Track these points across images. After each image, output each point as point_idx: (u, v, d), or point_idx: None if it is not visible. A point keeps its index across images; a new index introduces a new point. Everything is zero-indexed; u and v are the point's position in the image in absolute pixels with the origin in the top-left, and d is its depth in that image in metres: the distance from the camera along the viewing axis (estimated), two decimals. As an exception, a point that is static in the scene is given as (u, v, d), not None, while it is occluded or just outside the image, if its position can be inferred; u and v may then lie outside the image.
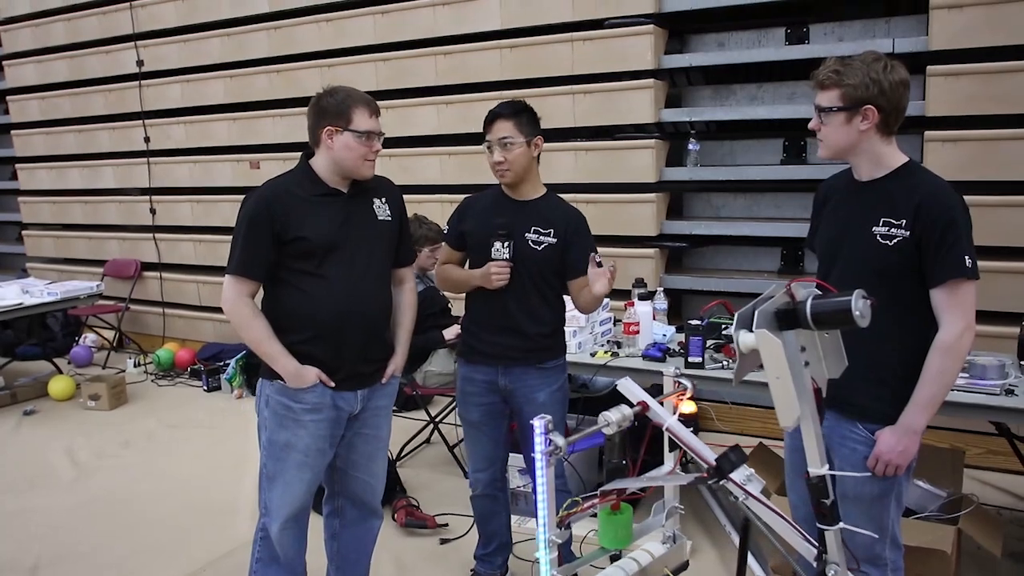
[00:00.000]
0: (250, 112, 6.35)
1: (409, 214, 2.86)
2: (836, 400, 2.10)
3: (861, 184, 2.22)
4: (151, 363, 6.59)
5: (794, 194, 4.82)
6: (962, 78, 4.01)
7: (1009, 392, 2.85)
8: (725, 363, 3.37)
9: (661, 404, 1.85)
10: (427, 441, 4.76)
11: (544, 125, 5.12)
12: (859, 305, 1.45)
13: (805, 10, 4.66)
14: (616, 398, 1.88)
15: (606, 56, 4.89)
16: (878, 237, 2.13)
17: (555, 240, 2.82)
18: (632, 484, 1.81)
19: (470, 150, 5.41)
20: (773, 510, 1.69)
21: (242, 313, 2.45)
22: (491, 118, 2.82)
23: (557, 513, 1.73)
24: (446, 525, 3.70)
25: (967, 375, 2.97)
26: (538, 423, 1.67)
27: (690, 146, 4.87)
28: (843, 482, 2.20)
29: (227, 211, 6.61)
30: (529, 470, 3.04)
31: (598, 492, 1.80)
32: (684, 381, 1.95)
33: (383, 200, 2.63)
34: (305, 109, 5.98)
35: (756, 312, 1.51)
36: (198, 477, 4.41)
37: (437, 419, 4.52)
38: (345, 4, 5.74)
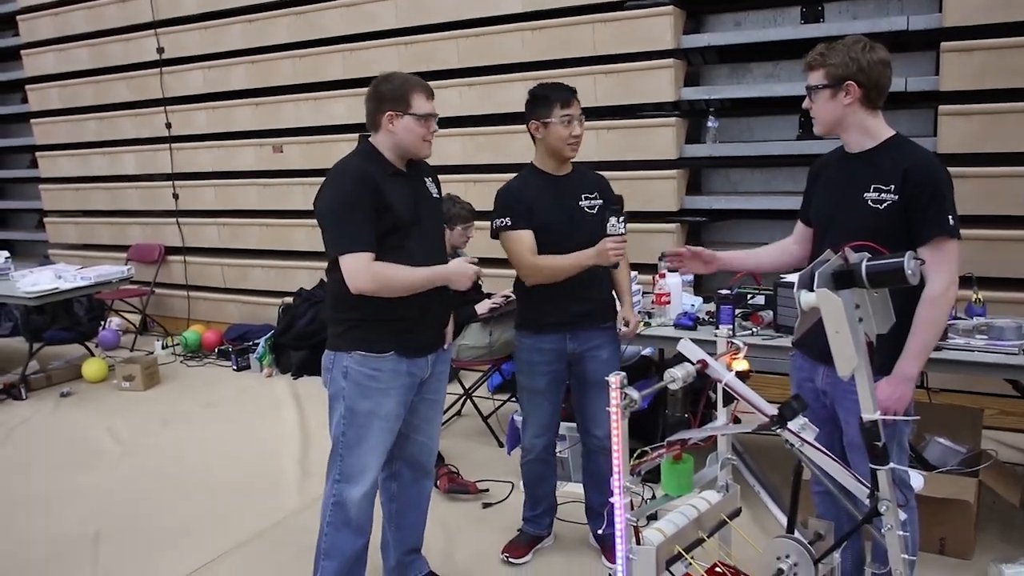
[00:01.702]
0: (273, 97, 6.48)
1: None
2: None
3: (852, 156, 2.44)
4: (178, 345, 6.75)
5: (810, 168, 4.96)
6: (975, 53, 4.15)
7: (1027, 351, 3.01)
8: (754, 330, 3.53)
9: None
10: (459, 413, 4.93)
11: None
12: (911, 265, 1.62)
13: (821, -11, 4.79)
14: (640, 371, 2.01)
15: (626, 37, 5.02)
16: (869, 202, 2.35)
17: (600, 201, 3.06)
18: (696, 435, 1.98)
19: (492, 130, 5.55)
20: (827, 455, 1.86)
21: (381, 273, 2.51)
22: (570, 94, 2.97)
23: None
24: (487, 490, 3.88)
25: (985, 337, 3.13)
26: (613, 379, 1.83)
27: (709, 123, 5.02)
28: (849, 431, 2.42)
29: (251, 195, 6.77)
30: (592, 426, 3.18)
31: (664, 443, 1.97)
32: (737, 341, 2.12)
33: (431, 180, 2.81)
34: (328, 93, 6.17)
35: (816, 274, 1.67)
36: (239, 452, 4.58)
37: (471, 391, 4.68)
38: (366, -10, 5.85)
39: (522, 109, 5.35)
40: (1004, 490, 3.18)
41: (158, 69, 7.03)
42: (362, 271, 2.51)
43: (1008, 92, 4.12)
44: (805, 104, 2.44)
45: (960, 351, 3.05)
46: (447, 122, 5.66)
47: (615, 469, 1.86)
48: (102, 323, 7.09)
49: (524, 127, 5.42)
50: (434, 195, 2.80)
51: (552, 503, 3.37)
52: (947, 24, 4.21)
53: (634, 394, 1.81)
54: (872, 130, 2.40)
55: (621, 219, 2.83)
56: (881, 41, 4.60)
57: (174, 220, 7.27)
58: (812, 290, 1.68)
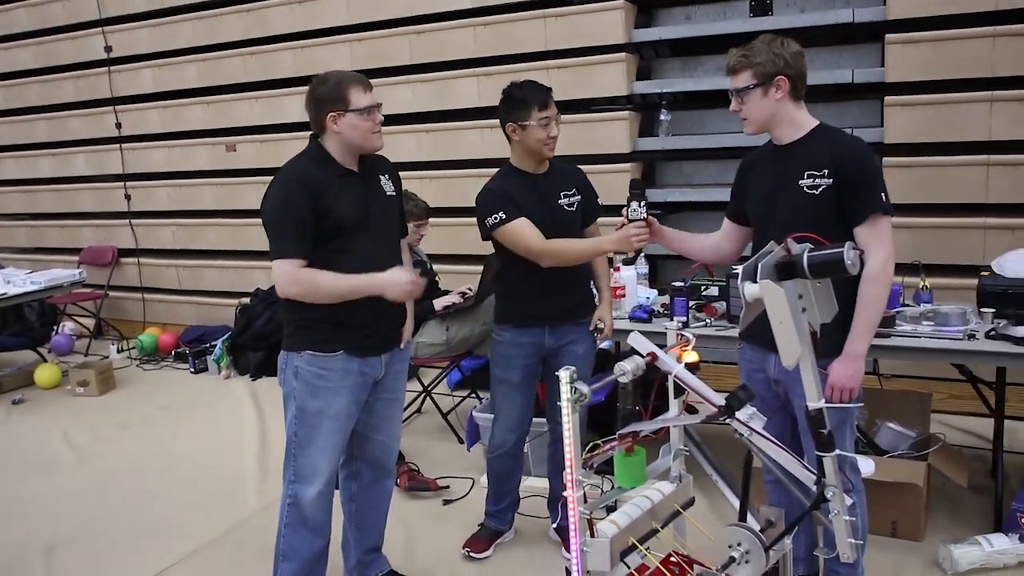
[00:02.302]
0: (225, 95, 6.40)
1: None
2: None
3: (782, 148, 2.52)
4: (133, 348, 6.65)
5: (762, 160, 5.03)
6: (919, 45, 4.24)
7: (971, 337, 3.08)
8: (708, 321, 3.57)
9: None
10: (418, 411, 4.92)
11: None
12: (850, 255, 1.65)
13: (769, -18, 4.85)
14: (599, 365, 2.02)
15: (578, 32, 5.04)
16: (804, 189, 2.43)
17: (579, 197, 3.09)
18: (647, 427, 2.00)
19: (446, 126, 5.55)
20: (776, 443, 1.89)
21: (305, 281, 2.50)
22: (546, 95, 2.95)
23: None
24: (447, 487, 3.88)
25: (932, 323, 3.20)
26: (564, 374, 1.84)
27: (662, 116, 5.06)
28: (802, 416, 2.44)
29: (205, 195, 6.68)
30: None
31: (616, 435, 1.99)
32: (686, 333, 2.14)
33: (386, 177, 2.78)
34: (280, 91, 6.10)
35: (759, 265, 1.69)
36: (198, 455, 4.53)
37: (430, 388, 4.68)
38: (317, -14, 5.81)
39: (474, 104, 5.45)
40: (953, 472, 3.25)
41: (106, 68, 6.91)
42: (286, 277, 2.50)
43: (952, 83, 4.21)
44: (733, 107, 2.49)
45: (908, 337, 3.11)
46: (401, 119, 5.71)
47: (567, 463, 1.88)
48: (54, 328, 6.97)
49: (475, 123, 5.49)
50: (388, 193, 2.76)
51: (516, 498, 3.38)
52: (891, 16, 4.29)
53: (584, 388, 1.83)
54: (799, 121, 2.49)
55: (643, 203, 2.74)
56: (828, 33, 4.71)
57: (127, 222, 7.15)
58: (755, 282, 1.71)
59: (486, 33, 5.29)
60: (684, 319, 3.54)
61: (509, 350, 3.13)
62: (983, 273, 3.44)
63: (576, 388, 1.83)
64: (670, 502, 2.17)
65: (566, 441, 1.87)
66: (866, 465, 3.15)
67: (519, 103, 2.94)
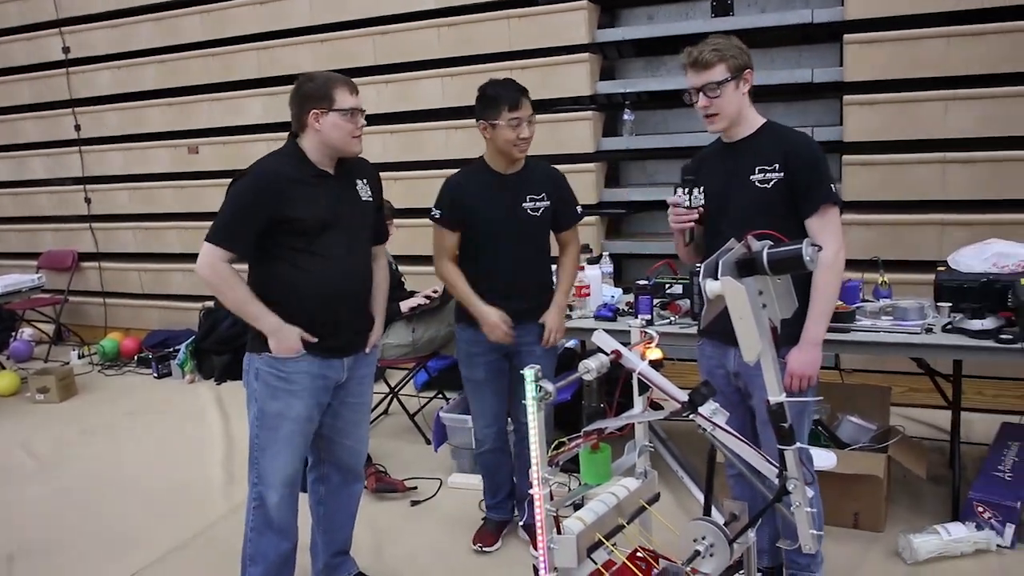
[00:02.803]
0: (186, 97, 6.32)
1: None
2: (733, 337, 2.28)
3: (732, 145, 2.58)
4: (95, 354, 6.55)
5: (724, 159, 5.08)
6: (877, 45, 4.31)
7: (929, 330, 3.14)
8: (672, 319, 3.60)
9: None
10: (385, 412, 4.90)
11: (484, 100, 5.27)
12: (808, 251, 1.68)
13: (729, -17, 4.90)
14: (565, 363, 2.04)
15: (542, 32, 5.06)
16: (756, 183, 2.49)
17: (548, 203, 3.08)
18: (612, 424, 2.01)
19: (411, 127, 5.54)
20: (738, 438, 1.91)
21: (222, 276, 2.50)
22: (518, 95, 2.93)
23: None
24: (415, 488, 3.87)
25: (891, 318, 3.26)
26: (529, 372, 1.85)
27: (625, 116, 5.09)
28: (762, 410, 2.48)
29: (167, 197, 6.60)
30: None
31: (581, 433, 2.00)
32: (650, 331, 2.16)
33: (364, 181, 2.76)
34: (242, 92, 6.05)
35: (720, 262, 1.72)
36: (164, 460, 4.48)
37: (397, 389, 4.67)
38: (280, -14, 5.76)
39: (439, 105, 5.43)
40: (912, 464, 3.31)
41: (64, 69, 6.79)
42: (207, 264, 2.50)
43: (910, 82, 4.29)
44: (701, 104, 2.48)
45: (868, 332, 3.17)
46: (366, 120, 5.67)
47: (533, 461, 1.89)
48: (12, 334, 6.85)
49: (441, 124, 5.49)
50: (364, 198, 2.73)
51: (511, 487, 3.41)
52: (849, 17, 4.36)
53: (549, 386, 1.84)
54: (751, 118, 2.57)
55: (687, 191, 2.61)
56: (787, 33, 4.77)
57: (87, 225, 7.04)
58: (717, 279, 1.73)
59: (450, 34, 5.29)
60: (649, 317, 3.57)
61: (470, 348, 3.16)
62: (939, 268, 3.51)
63: (541, 386, 1.84)
64: (636, 498, 2.19)
65: (532, 439, 1.87)
66: (828, 458, 3.20)
67: (491, 101, 2.95)
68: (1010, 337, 2.99)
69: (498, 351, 3.14)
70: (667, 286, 3.88)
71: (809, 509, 1.83)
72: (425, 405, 4.82)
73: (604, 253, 4.47)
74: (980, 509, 3.08)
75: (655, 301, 3.68)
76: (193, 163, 6.42)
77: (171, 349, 6.15)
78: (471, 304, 3.12)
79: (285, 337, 2.55)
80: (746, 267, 1.74)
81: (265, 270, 2.60)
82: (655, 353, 2.10)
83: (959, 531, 3.04)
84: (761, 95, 4.85)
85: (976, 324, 3.09)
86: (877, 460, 3.19)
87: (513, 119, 2.92)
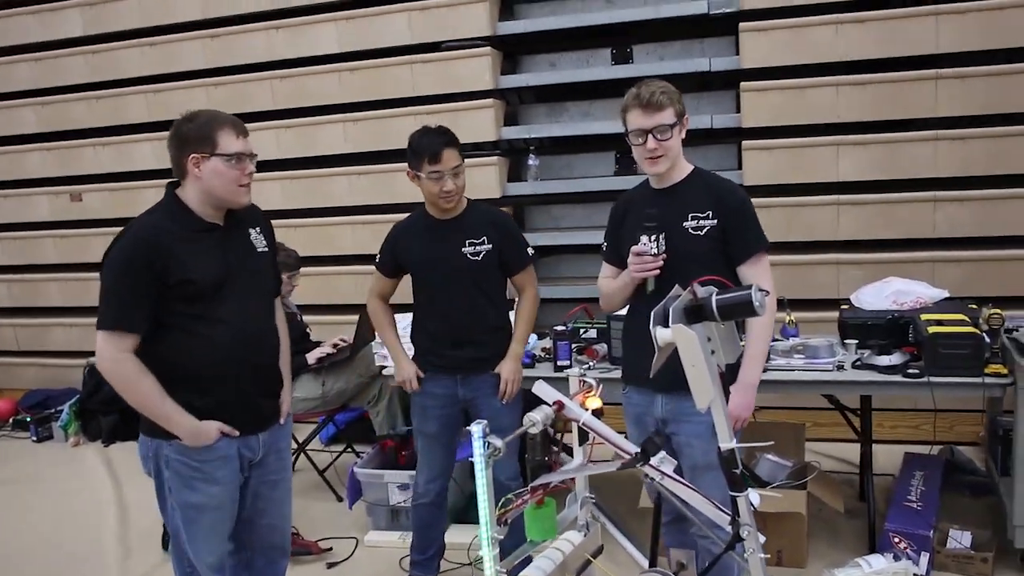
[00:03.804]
0: (68, 141, 5.98)
1: None
2: (673, 383, 2.18)
3: (661, 191, 2.57)
4: (-36, 418, 6.05)
5: (628, 203, 5.17)
6: (771, 92, 4.49)
7: (840, 367, 3.24)
8: (590, 364, 3.59)
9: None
10: (292, 469, 4.68)
11: (388, 146, 5.25)
12: (757, 296, 1.68)
13: (628, 32, 5.02)
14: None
15: (446, 77, 5.05)
16: (689, 230, 2.50)
17: (490, 246, 2.98)
18: (559, 477, 1.96)
19: (312, 173, 5.41)
20: (688, 486, 1.89)
21: (127, 372, 2.23)
22: (439, 147, 2.82)
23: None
24: (330, 549, 3.70)
25: (803, 356, 3.34)
26: (476, 428, 1.78)
27: (530, 161, 5.11)
28: (692, 455, 2.50)
29: (47, 248, 6.20)
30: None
31: (528, 489, 1.94)
32: (589, 379, 2.12)
33: (257, 230, 2.51)
34: (131, 136, 5.76)
35: (670, 310, 1.70)
36: (49, 534, 4.13)
37: (304, 444, 4.48)
38: (171, 28, 5.55)
39: (342, 151, 5.33)
40: (829, 499, 3.39)
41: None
42: (107, 358, 2.23)
43: (802, 128, 4.48)
44: (651, 145, 2.43)
45: (782, 371, 3.24)
46: (264, 166, 5.50)
47: (482, 520, 1.81)
48: None
49: (343, 170, 5.39)
50: (260, 249, 2.48)
51: (441, 546, 3.29)
52: (745, 66, 4.53)
53: (498, 442, 1.77)
54: (683, 163, 2.58)
55: (652, 237, 2.47)
56: (686, 81, 4.90)
57: (-44, 279, 6.54)
58: (667, 326, 1.71)
59: (353, 78, 5.22)
60: (568, 363, 3.54)
61: (424, 400, 3.07)
62: (843, 307, 3.64)
63: (489, 443, 1.77)
64: (580, 552, 2.13)
65: (480, 498, 1.80)
66: (753, 498, 3.22)
67: (413, 152, 2.88)
68: (917, 371, 3.11)
69: (453, 405, 3.06)
70: (582, 331, 3.88)
71: (762, 555, 1.82)
72: (335, 460, 4.64)
73: (515, 299, 4.45)
74: (896, 539, 3.16)
75: (572, 346, 3.66)
76: (77, 211, 6.06)
77: (52, 410, 5.75)
78: (391, 350, 3.09)
79: (202, 437, 2.30)
80: (694, 314, 1.73)
81: (158, 345, 2.28)
82: (595, 402, 2.06)
83: (879, 563, 3.10)
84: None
85: (884, 360, 3.21)
86: (798, 497, 3.24)
87: (434, 172, 2.83)
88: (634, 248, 2.49)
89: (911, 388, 3.11)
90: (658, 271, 2.48)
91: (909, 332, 3.36)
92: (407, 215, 3.13)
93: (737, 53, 4.61)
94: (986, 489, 3.73)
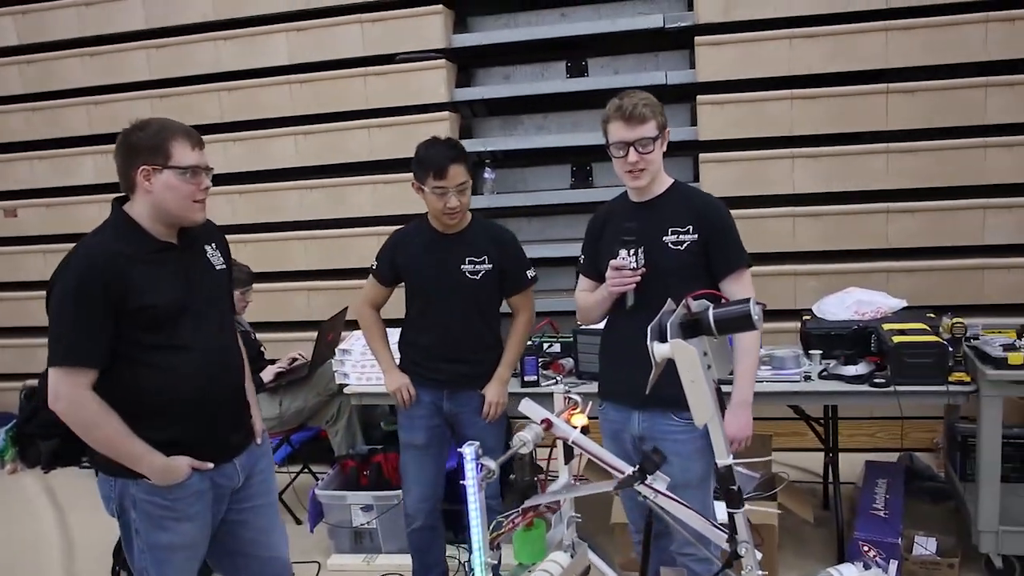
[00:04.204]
0: (2, 155, 5.73)
1: None
2: (649, 400, 2.16)
3: (641, 204, 2.55)
4: None
5: (584, 215, 5.05)
6: (727, 106, 4.53)
7: (807, 378, 3.26)
8: (557, 379, 3.55)
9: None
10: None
11: (340, 159, 5.15)
12: (755, 310, 1.66)
13: (583, 46, 5.02)
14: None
15: (400, 90, 4.98)
16: (669, 244, 2.47)
17: (491, 266, 2.91)
18: (550, 498, 1.91)
19: (263, 187, 5.28)
20: (681, 503, 1.86)
21: (87, 411, 2.05)
22: (445, 163, 2.73)
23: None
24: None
25: (770, 367, 3.35)
26: (468, 450, 1.72)
27: (486, 175, 5.07)
28: (670, 472, 2.42)
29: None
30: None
31: (519, 511, 1.88)
32: (575, 396, 2.08)
33: (213, 247, 2.35)
34: (72, 150, 5.54)
35: (668, 325, 1.67)
36: (-12, 566, 3.92)
37: (261, 467, 4.33)
38: (113, 37, 5.36)
39: (294, 164, 5.21)
40: (798, 508, 3.40)
41: None
42: (65, 397, 2.04)
43: (759, 140, 4.53)
44: (632, 159, 2.40)
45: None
46: (212, 179, 5.34)
47: (474, 544, 1.74)
48: None
49: (295, 184, 5.27)
50: (218, 267, 2.33)
51: (445, 568, 3.19)
52: (701, 79, 4.57)
53: (491, 464, 1.71)
54: (663, 177, 2.54)
55: (631, 252, 2.44)
56: (654, 94, 4.88)
57: None
58: (663, 341, 1.68)
59: (304, 90, 5.11)
60: (535, 378, 3.49)
61: (412, 410, 2.98)
62: (805, 317, 3.67)
63: (483, 464, 1.71)
64: (570, 574, 2.08)
65: (472, 522, 1.73)
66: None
67: (420, 165, 2.80)
68: (883, 381, 3.14)
69: (440, 415, 2.99)
70: (547, 345, 3.84)
71: (760, 572, 1.79)
72: (292, 481, 4.50)
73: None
74: (866, 548, 3.18)
75: (539, 360, 3.62)
76: (11, 228, 5.80)
77: (-15, 436, 5.47)
78: (379, 359, 3.01)
79: (173, 476, 2.13)
80: (691, 328, 1.70)
81: (118, 378, 2.10)
82: (581, 419, 2.02)
83: (850, 571, 3.09)
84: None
85: (850, 370, 3.24)
86: (768, 509, 3.24)
87: (438, 188, 2.74)
88: (613, 262, 2.45)
89: (877, 398, 3.14)
90: (635, 285, 2.44)
91: (872, 342, 3.40)
92: (409, 223, 3.05)
93: (691, 67, 4.65)
94: (946, 495, 3.79)
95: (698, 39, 4.55)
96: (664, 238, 2.47)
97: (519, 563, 1.98)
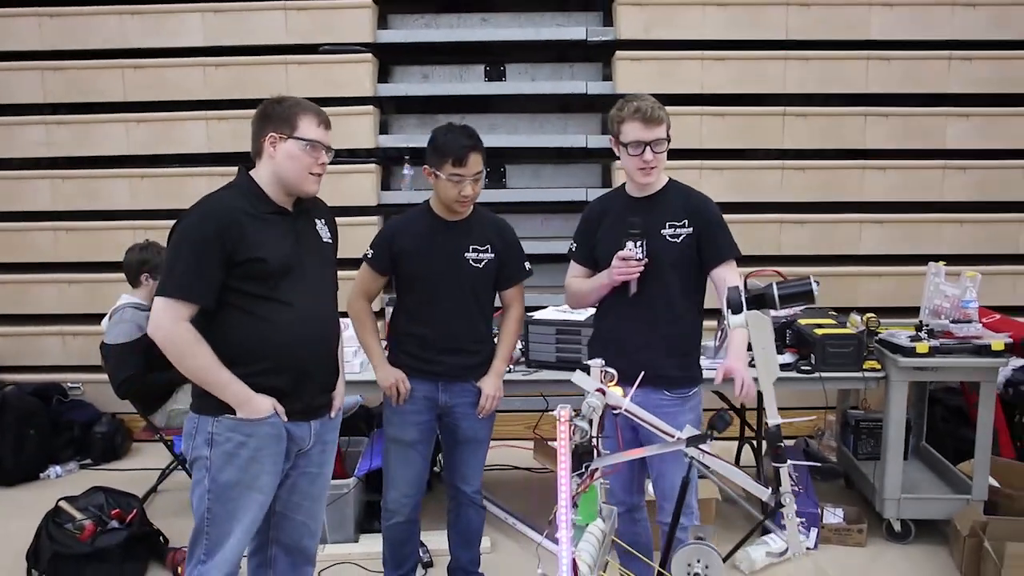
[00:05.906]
0: None
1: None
2: (648, 378, 2.37)
3: (638, 199, 2.78)
4: None
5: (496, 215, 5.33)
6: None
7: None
8: (510, 368, 3.66)
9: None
10: (155, 488, 4.35)
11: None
12: (816, 287, 1.90)
13: (500, 52, 5.21)
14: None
15: (322, 81, 4.94)
16: (667, 237, 2.71)
17: (493, 255, 2.91)
18: (612, 461, 2.07)
19: (171, 172, 5.06)
20: (726, 462, 2.07)
21: (183, 339, 2.20)
22: (465, 152, 2.74)
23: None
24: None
25: (705, 357, 3.65)
26: (563, 412, 1.84)
27: (406, 171, 5.13)
28: (656, 440, 2.68)
29: None
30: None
31: (588, 472, 2.02)
32: (610, 369, 2.24)
33: (323, 222, 2.52)
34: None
35: (743, 299, 1.88)
36: None
37: (183, 457, 4.17)
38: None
39: (204, 150, 5.03)
40: (730, 486, 3.72)
41: None
42: (165, 326, 2.21)
43: (670, 152, 4.84)
44: (647, 157, 2.62)
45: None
46: (111, 161, 5.06)
47: (561, 504, 1.87)
48: None
49: (206, 169, 5.09)
50: (325, 240, 2.49)
51: (417, 560, 3.20)
52: (619, 90, 4.86)
53: (584, 424, 1.85)
54: (662, 175, 2.77)
55: (638, 243, 2.62)
56: (561, 103, 5.14)
57: None
58: (736, 312, 1.89)
59: (219, 74, 4.96)
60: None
61: (403, 406, 2.92)
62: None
63: (577, 426, 1.84)
64: (607, 534, 2.25)
65: (561, 483, 1.85)
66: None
67: (437, 151, 2.79)
68: (809, 368, 3.53)
69: (432, 411, 2.95)
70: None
71: (798, 519, 2.03)
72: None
73: (386, 305, 4.42)
74: (790, 519, 3.55)
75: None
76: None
77: None
78: (370, 354, 2.97)
79: (255, 409, 2.25)
80: (755, 302, 1.92)
81: (219, 322, 2.27)
82: (617, 391, 2.20)
83: (778, 541, 3.48)
84: (532, 158, 5.21)
85: (780, 360, 3.60)
86: (711, 485, 3.54)
87: (455, 175, 2.75)
88: (620, 253, 2.64)
89: (805, 383, 3.52)
90: (638, 274, 2.66)
91: (787, 335, 3.79)
92: (401, 214, 3.05)
93: (604, 79, 4.95)
94: (834, 474, 4.27)
95: (619, 53, 4.85)
96: (662, 231, 2.70)
97: (574, 523, 2.11)
